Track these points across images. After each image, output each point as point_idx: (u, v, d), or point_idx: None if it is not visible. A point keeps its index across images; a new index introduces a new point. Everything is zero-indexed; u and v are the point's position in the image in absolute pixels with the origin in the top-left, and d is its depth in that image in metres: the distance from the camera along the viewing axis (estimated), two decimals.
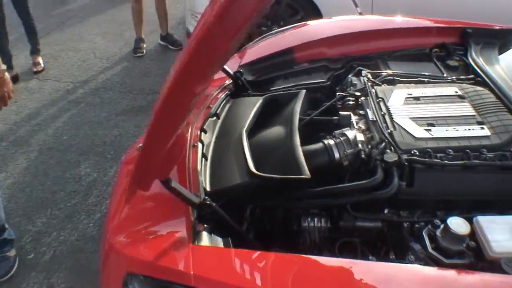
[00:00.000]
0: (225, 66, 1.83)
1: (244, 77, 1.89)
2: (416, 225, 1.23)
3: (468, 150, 1.28)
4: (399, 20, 2.31)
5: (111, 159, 2.96)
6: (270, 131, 1.53)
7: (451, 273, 1.03)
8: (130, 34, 4.66)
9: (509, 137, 1.33)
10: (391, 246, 1.28)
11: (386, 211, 1.30)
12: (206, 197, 1.22)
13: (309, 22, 2.48)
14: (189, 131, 1.49)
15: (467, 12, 3.38)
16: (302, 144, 1.39)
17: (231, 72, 1.86)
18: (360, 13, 3.53)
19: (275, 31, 2.38)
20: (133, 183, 1.19)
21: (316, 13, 3.56)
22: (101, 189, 2.72)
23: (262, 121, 1.58)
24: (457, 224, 1.12)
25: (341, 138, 1.39)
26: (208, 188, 1.29)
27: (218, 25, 0.83)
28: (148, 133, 0.99)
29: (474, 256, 1.10)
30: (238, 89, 1.87)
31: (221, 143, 1.51)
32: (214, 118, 1.63)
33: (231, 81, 1.88)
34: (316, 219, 1.32)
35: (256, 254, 1.11)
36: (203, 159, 1.41)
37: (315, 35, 2.13)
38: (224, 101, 1.75)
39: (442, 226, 1.14)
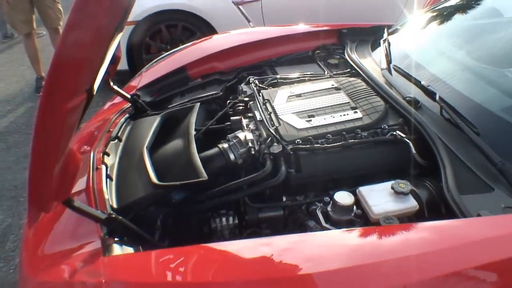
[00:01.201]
0: (122, 91, 1.90)
1: (142, 99, 1.96)
2: (312, 206, 1.35)
3: (344, 133, 1.46)
4: (285, 29, 2.51)
5: (24, 203, 2.86)
6: (170, 144, 1.61)
7: (336, 233, 1.16)
8: (30, 74, 4.55)
9: (378, 116, 1.52)
10: (292, 229, 1.41)
11: (284, 198, 1.43)
12: (112, 212, 1.27)
13: (205, 38, 2.61)
14: (92, 155, 1.54)
15: (345, 15, 3.73)
16: (202, 151, 1.48)
17: (129, 96, 1.92)
18: (253, 27, 3.74)
19: (168, 52, 2.48)
20: (32, 206, 1.20)
21: (213, 32, 3.71)
22: (18, 233, 2.62)
23: (162, 137, 1.66)
24: (343, 197, 1.26)
25: (234, 141, 1.50)
26: (114, 205, 1.35)
27: (68, 34, 0.89)
28: (32, 154, 1.00)
29: (362, 222, 1.25)
30: (137, 111, 1.93)
31: (124, 163, 1.56)
32: (116, 141, 1.67)
33: (130, 104, 1.94)
34: (224, 218, 1.40)
35: (161, 251, 1.17)
36: (108, 179, 1.45)
37: (207, 51, 2.26)
38: (124, 124, 1.80)
39: (331, 201, 1.28)
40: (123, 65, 3.74)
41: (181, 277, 1.08)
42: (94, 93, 1.20)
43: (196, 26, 3.83)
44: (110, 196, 1.38)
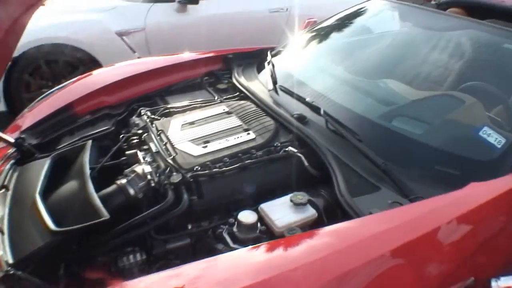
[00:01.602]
0: (3, 135, 1.77)
1: (27, 142, 1.84)
2: (218, 229, 1.38)
3: (240, 154, 1.52)
4: (173, 57, 2.52)
5: None
6: (65, 187, 1.53)
7: (243, 251, 1.19)
8: None
9: (270, 135, 1.62)
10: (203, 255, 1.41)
11: (190, 226, 1.43)
12: (9, 268, 1.17)
13: (91, 72, 2.52)
14: None
15: (229, 41, 3.86)
16: (99, 190, 1.43)
17: (12, 140, 1.80)
18: (139, 58, 3.70)
19: (52, 90, 2.36)
20: None
21: (97, 65, 3.60)
22: None
23: (55, 180, 1.57)
24: (246, 216, 1.31)
25: (132, 175, 1.47)
26: (10, 260, 1.24)
27: None
28: None
29: (268, 237, 1.30)
30: (24, 155, 1.80)
31: (16, 213, 1.45)
32: (3, 190, 1.56)
33: (14, 149, 1.81)
34: (131, 256, 1.35)
35: None
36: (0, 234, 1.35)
37: (94, 86, 2.19)
38: (10, 171, 1.67)
39: (235, 222, 1.32)
40: (0, 106, 3.49)
41: None
42: None
43: (78, 60, 3.67)
44: (4, 251, 1.27)
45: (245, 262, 1.14)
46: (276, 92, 1.94)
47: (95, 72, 2.55)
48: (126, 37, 3.77)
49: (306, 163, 1.50)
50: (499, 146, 1.51)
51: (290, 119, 1.69)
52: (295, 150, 1.53)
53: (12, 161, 1.74)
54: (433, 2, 3.07)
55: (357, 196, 1.34)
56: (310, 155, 1.52)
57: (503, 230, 1.39)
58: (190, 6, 3.98)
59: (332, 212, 1.37)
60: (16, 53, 3.40)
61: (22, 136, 1.86)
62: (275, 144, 1.57)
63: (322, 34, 2.61)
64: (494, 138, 1.52)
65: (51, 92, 2.32)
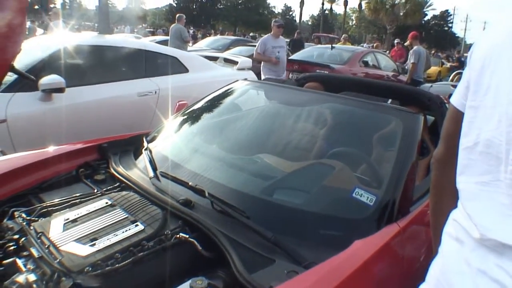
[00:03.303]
0: None
1: None
2: None
3: (132, 248, 1.48)
4: (42, 152, 2.39)
5: None
6: None
7: None
8: None
9: (159, 224, 1.61)
10: None
11: None
12: None
13: None
14: None
15: (102, 127, 3.81)
16: None
17: None
18: (2, 151, 3.43)
19: None
20: None
21: None
22: None
23: None
24: None
25: (14, 287, 1.35)
26: None
27: None
28: None
29: None
30: None
31: None
32: None
33: None
34: None
35: None
36: None
37: None
38: None
39: None
40: None
41: None
42: None
43: None
44: None
45: None
46: (158, 178, 1.96)
47: None
48: None
49: (199, 247, 1.52)
50: (371, 204, 1.71)
51: (176, 205, 1.71)
52: (187, 236, 1.55)
53: None
54: (290, 77, 3.45)
55: (254, 271, 1.39)
56: (202, 238, 1.55)
57: (390, 277, 1.57)
58: (55, 95, 3.84)
59: None
60: None
61: None
62: (165, 232, 1.57)
63: (194, 116, 2.74)
64: (366, 197, 1.73)
65: None
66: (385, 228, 1.63)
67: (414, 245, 1.74)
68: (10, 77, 3.87)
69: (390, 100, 2.31)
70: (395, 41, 13.40)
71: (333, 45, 10.94)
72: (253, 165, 2.13)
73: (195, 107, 2.80)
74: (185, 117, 2.70)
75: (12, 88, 3.77)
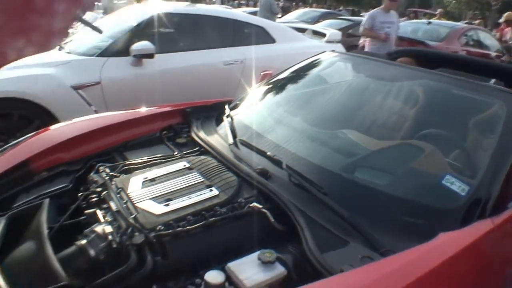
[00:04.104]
0: None
1: None
2: None
3: (204, 212, 1.48)
4: (131, 112, 2.50)
5: None
6: (21, 248, 1.45)
7: None
8: None
9: (233, 191, 1.59)
10: None
11: (155, 287, 1.36)
12: None
13: (49, 127, 2.46)
14: None
15: (187, 93, 3.91)
16: (59, 251, 1.37)
17: None
18: (96, 111, 3.65)
19: (7, 146, 2.27)
20: None
21: (53, 119, 3.52)
22: None
23: (10, 241, 1.49)
24: (213, 276, 1.26)
25: (92, 235, 1.41)
26: None
27: None
28: None
29: None
30: None
31: None
32: None
33: None
34: None
35: None
36: None
37: (51, 142, 2.12)
38: None
39: (203, 282, 1.27)
40: None
41: None
42: None
43: (34, 114, 3.57)
44: None
45: None
46: (237, 146, 1.95)
47: (52, 128, 2.48)
48: (81, 91, 3.73)
49: (271, 219, 1.48)
50: (463, 194, 1.54)
51: (253, 174, 1.68)
52: (260, 206, 1.51)
53: None
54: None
55: (326, 251, 1.32)
56: (276, 210, 1.51)
57: (476, 280, 1.40)
58: (145, 60, 4.00)
59: (302, 269, 1.34)
60: None
61: None
62: (239, 200, 1.55)
63: (279, 86, 2.68)
64: (457, 186, 1.56)
65: (6, 148, 2.23)
66: (476, 223, 1.46)
67: (508, 247, 1.56)
68: (105, 42, 4.09)
69: (493, 80, 2.07)
70: (501, 20, 12.16)
71: (430, 20, 10.20)
72: (336, 140, 2.03)
73: (280, 77, 2.74)
74: (269, 87, 2.65)
75: (106, 53, 3.98)
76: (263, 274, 1.28)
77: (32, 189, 1.88)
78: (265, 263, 1.30)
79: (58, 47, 4.46)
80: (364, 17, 6.28)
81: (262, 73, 3.09)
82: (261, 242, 1.44)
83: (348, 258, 1.31)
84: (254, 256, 1.34)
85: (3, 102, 3.49)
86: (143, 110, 2.52)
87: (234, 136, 2.01)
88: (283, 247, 1.42)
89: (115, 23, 4.58)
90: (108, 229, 1.44)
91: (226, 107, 2.36)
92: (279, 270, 1.30)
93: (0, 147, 2.29)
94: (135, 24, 4.23)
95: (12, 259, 1.41)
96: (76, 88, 3.72)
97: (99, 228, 1.44)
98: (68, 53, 4.14)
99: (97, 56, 3.98)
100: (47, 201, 1.65)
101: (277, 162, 1.74)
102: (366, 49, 5.68)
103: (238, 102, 2.52)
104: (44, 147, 2.08)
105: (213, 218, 1.46)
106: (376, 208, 1.57)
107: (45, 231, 1.45)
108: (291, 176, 1.65)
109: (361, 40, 6.47)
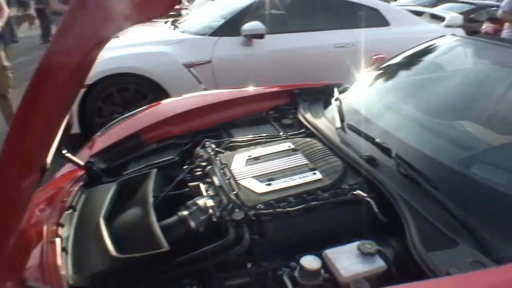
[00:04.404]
0: (75, 158, 1.83)
1: (96, 166, 1.90)
2: (278, 272, 1.31)
3: (305, 195, 1.45)
4: (239, 91, 2.55)
5: None
6: (127, 213, 1.55)
7: None
8: None
9: (337, 176, 1.53)
10: None
11: (249, 265, 1.38)
12: None
13: (160, 102, 2.60)
14: (45, 227, 1.45)
15: (295, 75, 3.87)
16: (161, 219, 1.43)
17: (82, 163, 1.86)
18: (205, 89, 3.78)
19: (122, 116, 2.44)
20: None
21: (165, 94, 3.72)
22: None
23: (119, 205, 1.60)
24: (309, 262, 1.23)
25: (194, 207, 1.46)
26: (71, 282, 1.26)
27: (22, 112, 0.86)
28: None
29: (332, 285, 1.21)
30: (92, 178, 1.86)
31: (80, 234, 1.49)
32: (70, 210, 1.60)
33: (84, 172, 1.87)
34: None
35: None
36: (63, 253, 1.37)
37: (162, 115, 2.25)
38: (78, 193, 1.73)
39: (298, 266, 1.25)
40: (75, 128, 3.66)
41: None
42: (48, 167, 1.16)
43: (148, 89, 3.83)
44: (66, 271, 1.30)
45: None
46: (344, 130, 1.87)
47: (164, 102, 2.62)
48: (193, 68, 3.88)
49: (375, 209, 1.40)
50: None
51: (359, 160, 1.60)
52: (364, 194, 1.44)
53: (81, 183, 1.80)
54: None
55: (431, 250, 1.22)
56: (380, 200, 1.43)
57: None
58: (255, 40, 4.05)
59: (403, 265, 1.25)
60: (91, 81, 3.60)
61: (92, 160, 1.93)
62: (342, 186, 1.49)
63: (391, 71, 2.53)
64: None
65: (122, 119, 2.40)
66: None
67: None
68: (217, 22, 4.21)
69: None
70: None
71: None
72: (452, 132, 1.86)
73: (393, 62, 2.59)
74: (381, 72, 2.52)
75: (218, 33, 4.09)
76: (361, 266, 1.22)
77: (142, 159, 2.01)
78: (365, 255, 1.23)
79: (173, 26, 4.69)
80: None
81: (374, 57, 2.96)
82: (361, 232, 1.37)
83: (456, 261, 1.19)
84: (353, 246, 1.28)
85: (122, 77, 3.78)
86: (251, 90, 2.54)
87: (342, 120, 1.94)
88: (385, 240, 1.34)
89: (227, 4, 4.68)
90: (210, 203, 1.47)
91: (335, 90, 2.28)
92: (379, 263, 1.23)
93: (116, 119, 2.48)
94: (246, 4, 4.28)
95: (119, 222, 1.51)
96: (188, 66, 3.88)
97: (201, 201, 1.48)
98: (182, 32, 4.33)
99: (209, 35, 4.11)
100: (154, 171, 1.74)
101: (385, 150, 1.64)
102: (503, 36, 5.09)
103: (347, 86, 2.43)
104: (156, 120, 2.21)
105: (314, 202, 1.42)
106: (493, 210, 1.41)
107: (151, 199, 1.52)
108: (399, 166, 1.55)
109: (484, 26, 5.89)
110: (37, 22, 11.53)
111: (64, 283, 1.23)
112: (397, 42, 4.11)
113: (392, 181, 1.48)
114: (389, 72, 2.52)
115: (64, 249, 1.39)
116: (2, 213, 0.95)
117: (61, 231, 1.47)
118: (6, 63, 4.14)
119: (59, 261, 1.31)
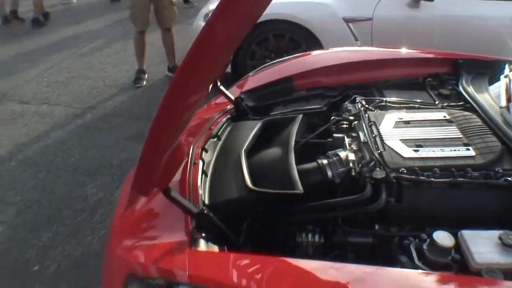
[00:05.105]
0: (227, 92, 1.95)
1: (245, 103, 2.00)
2: (405, 240, 1.27)
3: (453, 169, 1.36)
4: (395, 51, 2.44)
5: (117, 180, 3.01)
6: (268, 151, 1.62)
7: (415, 273, 1.11)
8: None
9: (493, 157, 1.40)
10: (380, 260, 1.33)
11: (376, 227, 1.37)
12: (204, 208, 1.29)
13: (312, 52, 2.61)
14: (191, 149, 1.59)
15: (461, 44, 3.54)
16: (298, 164, 1.47)
17: (233, 98, 1.96)
18: (360, 46, 3.68)
19: (275, 61, 2.50)
20: (134, 189, 1.26)
21: (318, 46, 3.71)
22: (107, 207, 2.77)
23: (260, 142, 1.67)
24: (442, 238, 1.17)
25: (334, 158, 1.47)
26: (206, 201, 1.37)
27: (208, 34, 0.93)
28: (147, 141, 1.05)
29: (459, 268, 1.15)
30: (239, 113, 1.97)
31: (221, 162, 1.60)
32: (215, 139, 1.72)
33: (233, 106, 1.98)
34: (310, 235, 1.37)
35: (242, 255, 1.20)
36: (203, 175, 1.49)
37: (314, 65, 2.26)
38: (225, 124, 1.85)
39: (428, 240, 1.20)
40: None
41: (256, 285, 1.10)
42: (209, 91, 1.25)
43: (302, 38, 3.84)
44: (203, 191, 1.42)
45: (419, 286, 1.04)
46: (509, 110, 1.69)
47: (315, 53, 2.62)
48: (352, 24, 3.78)
49: None
50: None
51: None
52: None
53: (228, 116, 1.92)
54: None
55: None
56: None
57: None
58: (423, 2, 3.77)
59: None
60: None
61: (242, 96, 2.03)
62: (496, 169, 1.36)
63: None
64: None
65: (274, 63, 2.46)
66: None
67: None
68: None
69: None
70: None
71: None
72: None
73: None
74: None
75: None
76: (499, 256, 1.12)
77: (290, 103, 2.05)
78: (506, 246, 1.13)
79: None
80: None
81: None
82: (506, 221, 1.26)
83: None
84: (494, 233, 1.18)
85: (279, 23, 3.84)
86: (408, 52, 2.41)
87: (509, 100, 1.75)
88: None
89: None
90: (351, 157, 1.46)
91: (506, 66, 2.06)
92: None
93: (267, 63, 2.55)
94: None
95: (258, 158, 1.58)
96: (347, 20, 3.80)
97: (342, 154, 1.48)
98: None
99: None
100: (300, 116, 1.78)
101: None
102: None
103: None
104: (307, 69, 2.23)
105: (461, 179, 1.33)
106: None
107: (293, 142, 1.57)
108: None
109: None
110: None
111: (200, 202, 1.34)
112: None
113: None
114: None
115: (204, 172, 1.51)
116: (168, 127, 1.05)
117: (204, 155, 1.59)
118: None
119: (198, 182, 1.43)
